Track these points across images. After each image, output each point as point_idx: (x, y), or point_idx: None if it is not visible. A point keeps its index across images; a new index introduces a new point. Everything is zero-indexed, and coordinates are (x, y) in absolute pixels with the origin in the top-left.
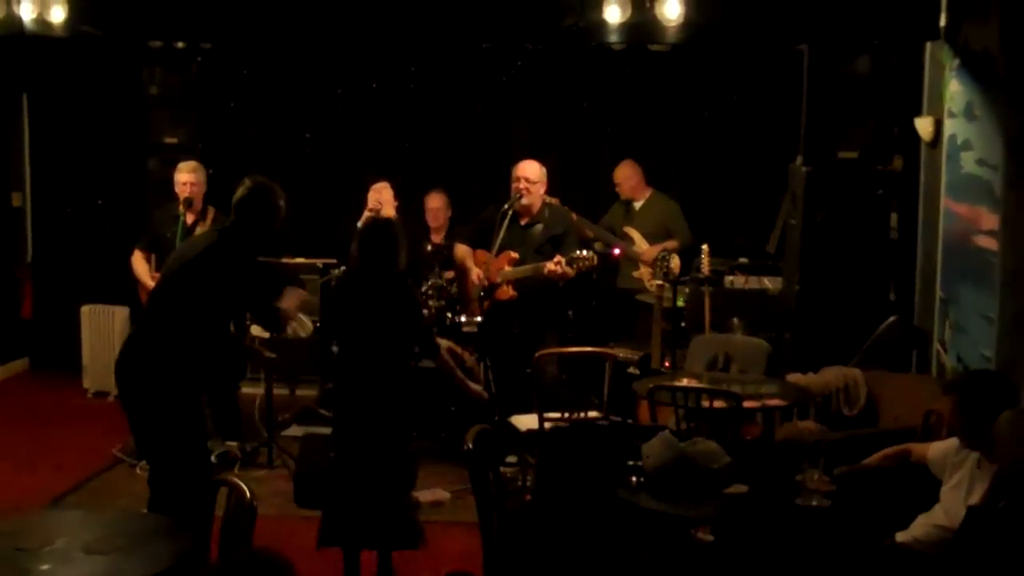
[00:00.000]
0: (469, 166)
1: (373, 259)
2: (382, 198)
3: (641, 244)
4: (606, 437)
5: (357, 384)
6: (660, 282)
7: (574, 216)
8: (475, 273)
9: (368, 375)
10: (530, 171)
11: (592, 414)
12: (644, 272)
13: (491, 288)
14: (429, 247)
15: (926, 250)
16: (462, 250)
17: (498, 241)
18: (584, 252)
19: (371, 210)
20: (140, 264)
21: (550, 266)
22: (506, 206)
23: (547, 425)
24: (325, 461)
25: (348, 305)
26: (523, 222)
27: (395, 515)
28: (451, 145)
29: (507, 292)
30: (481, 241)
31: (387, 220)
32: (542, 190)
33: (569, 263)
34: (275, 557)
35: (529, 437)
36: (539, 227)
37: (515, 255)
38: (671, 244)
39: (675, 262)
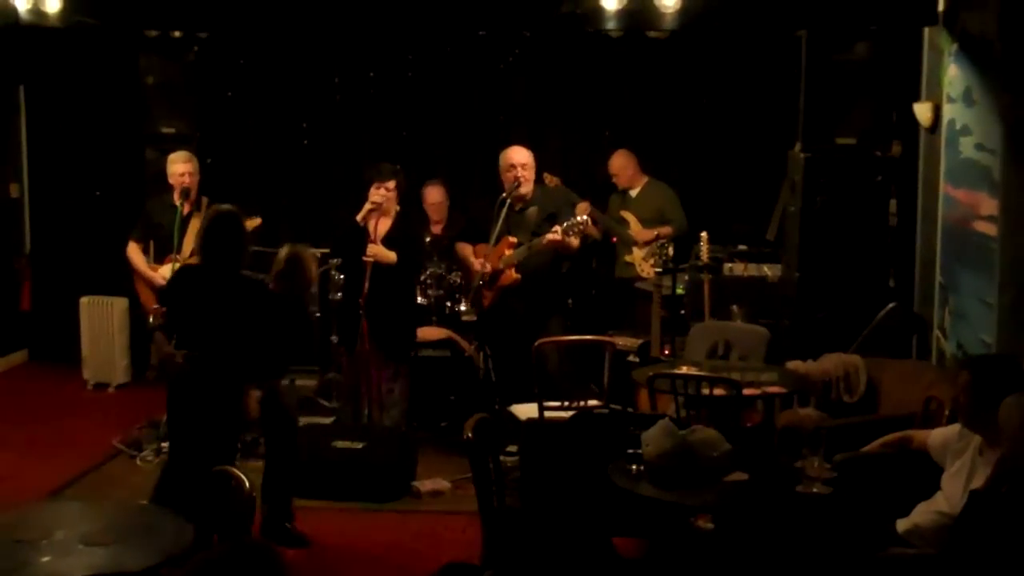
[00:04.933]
0: (467, 153)
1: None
2: (389, 196)
3: (636, 228)
4: (598, 426)
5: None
6: (658, 268)
7: (586, 205)
8: (477, 263)
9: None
10: (524, 157)
11: (592, 403)
12: (637, 255)
13: (495, 275)
14: (428, 237)
15: (925, 236)
16: (462, 247)
17: (496, 231)
18: (579, 217)
19: (374, 203)
20: (137, 255)
21: (549, 236)
22: (504, 195)
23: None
24: (325, 451)
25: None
26: (517, 207)
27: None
28: (449, 133)
29: (511, 276)
30: (480, 237)
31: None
32: (534, 173)
33: (566, 231)
34: (264, 548)
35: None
36: (533, 209)
37: (514, 239)
38: (665, 230)
39: (670, 250)
